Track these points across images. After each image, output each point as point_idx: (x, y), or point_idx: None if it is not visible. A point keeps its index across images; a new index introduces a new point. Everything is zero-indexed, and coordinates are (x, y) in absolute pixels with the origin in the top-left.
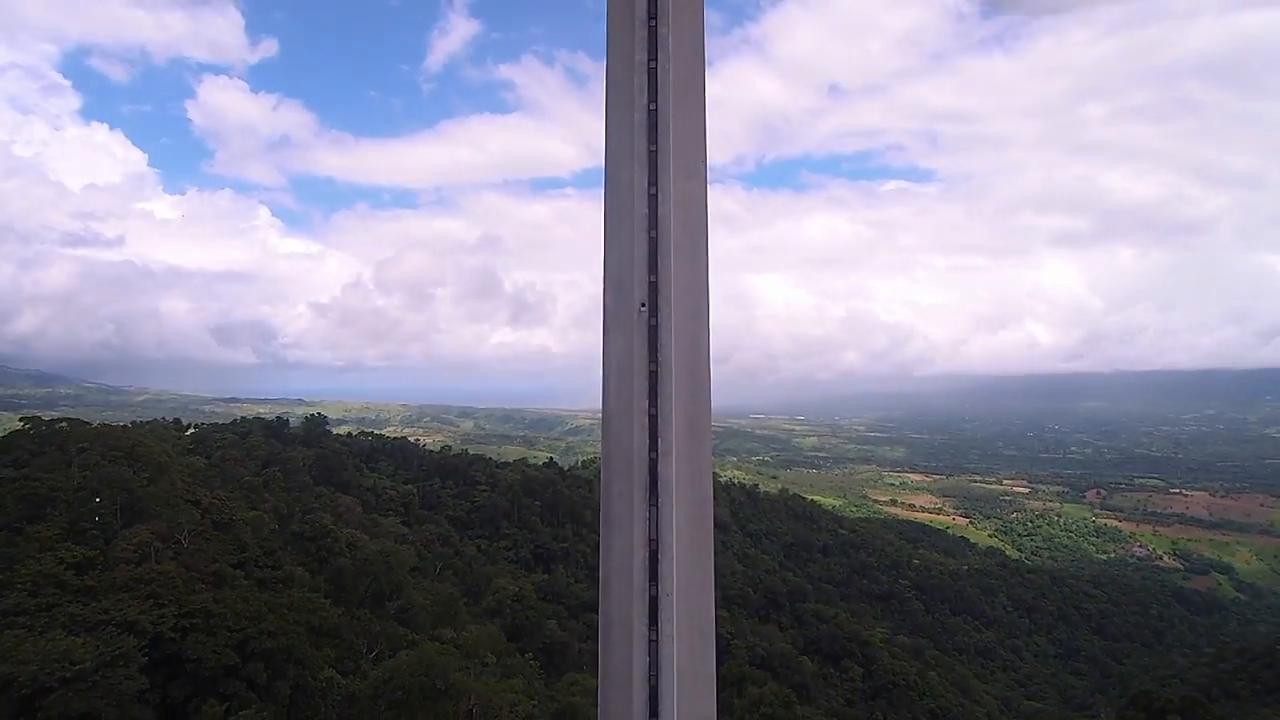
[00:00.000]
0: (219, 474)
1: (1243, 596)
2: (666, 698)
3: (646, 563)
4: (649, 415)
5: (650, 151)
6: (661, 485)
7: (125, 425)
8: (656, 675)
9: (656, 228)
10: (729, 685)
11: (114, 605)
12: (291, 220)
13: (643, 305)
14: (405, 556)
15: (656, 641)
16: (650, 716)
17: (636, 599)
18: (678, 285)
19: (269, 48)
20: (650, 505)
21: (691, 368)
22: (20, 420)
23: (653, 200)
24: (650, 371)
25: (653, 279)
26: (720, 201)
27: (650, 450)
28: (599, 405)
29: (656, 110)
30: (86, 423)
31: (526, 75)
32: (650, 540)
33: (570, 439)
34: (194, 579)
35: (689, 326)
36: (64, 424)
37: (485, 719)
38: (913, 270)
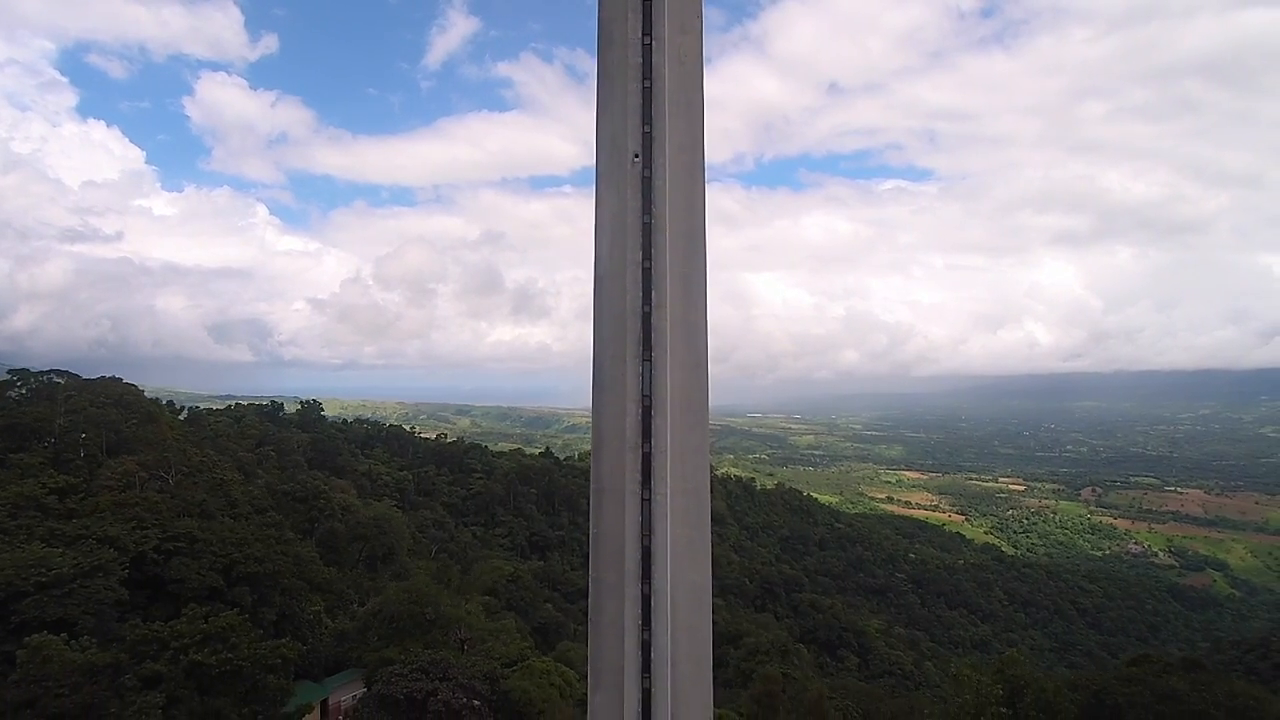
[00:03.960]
0: (212, 446)
1: (1237, 593)
2: (660, 562)
3: (640, 419)
4: (643, 269)
5: None
6: (655, 338)
7: (115, 378)
8: (650, 536)
9: (650, 77)
10: (726, 642)
11: (95, 523)
12: (289, 218)
13: (636, 156)
14: (400, 523)
15: (650, 501)
16: (642, 580)
17: (629, 454)
18: (672, 141)
19: (268, 44)
20: (643, 360)
21: (687, 227)
22: (9, 373)
23: (647, 50)
24: (644, 224)
25: (646, 129)
26: (718, 200)
27: (644, 304)
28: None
29: None
30: (77, 374)
31: (525, 73)
32: (644, 396)
33: (567, 436)
34: (179, 509)
35: (684, 182)
36: (52, 373)
37: (477, 649)
38: (911, 269)
